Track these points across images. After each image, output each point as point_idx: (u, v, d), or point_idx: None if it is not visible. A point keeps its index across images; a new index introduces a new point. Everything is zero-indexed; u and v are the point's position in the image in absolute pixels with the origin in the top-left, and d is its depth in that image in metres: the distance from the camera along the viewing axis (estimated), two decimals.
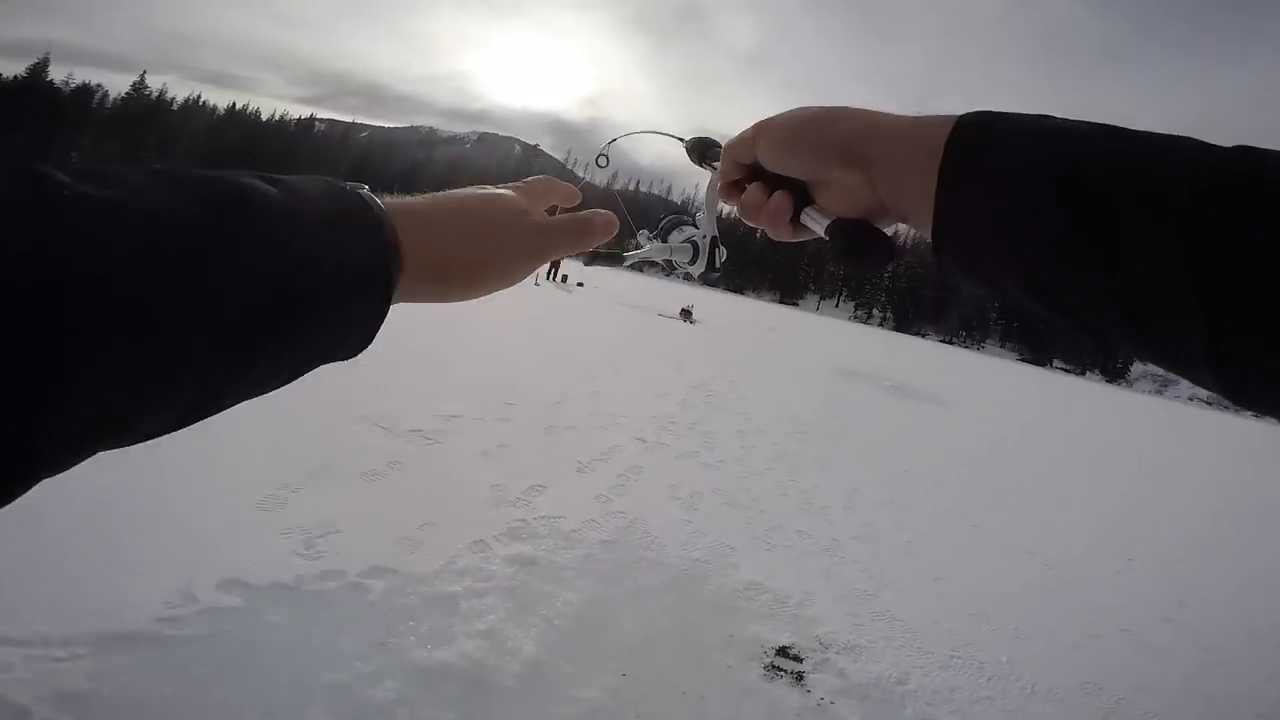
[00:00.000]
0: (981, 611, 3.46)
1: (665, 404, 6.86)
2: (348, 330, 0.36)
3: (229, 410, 0.34)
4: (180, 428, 0.30)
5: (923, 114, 0.41)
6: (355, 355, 0.38)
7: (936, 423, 10.25)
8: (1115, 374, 77.67)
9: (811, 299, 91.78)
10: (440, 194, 0.46)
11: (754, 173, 0.49)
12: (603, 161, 0.67)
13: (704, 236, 0.62)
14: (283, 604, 2.29)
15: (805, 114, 0.44)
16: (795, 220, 0.46)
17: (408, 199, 0.43)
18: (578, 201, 0.54)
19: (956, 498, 5.77)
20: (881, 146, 0.40)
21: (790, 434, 6.81)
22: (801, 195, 0.46)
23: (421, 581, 2.57)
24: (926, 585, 3.69)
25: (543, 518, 3.38)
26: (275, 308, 0.31)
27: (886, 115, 0.42)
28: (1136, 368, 79.89)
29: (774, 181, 0.47)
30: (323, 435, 3.81)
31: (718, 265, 0.62)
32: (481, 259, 0.45)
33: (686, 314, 18.18)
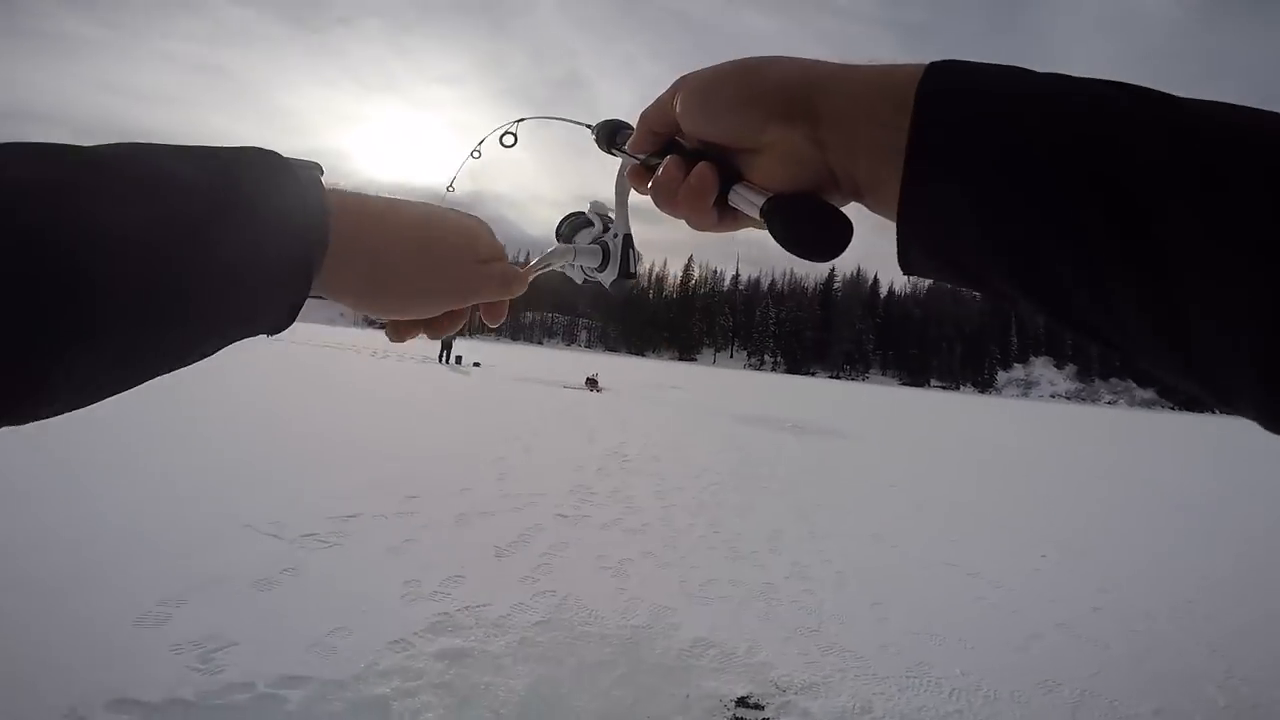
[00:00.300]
0: (925, 629, 3.54)
1: (581, 475, 6.72)
2: (264, 315, 0.37)
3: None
4: (96, 401, 0.32)
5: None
6: (273, 334, 0.39)
7: (838, 454, 10.74)
8: (984, 385, 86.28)
9: (708, 353, 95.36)
10: (399, 203, 0.44)
11: (672, 148, 0.41)
12: (509, 140, 0.62)
13: (614, 236, 0.52)
14: None
15: (733, 63, 0.36)
16: (722, 202, 0.38)
17: (365, 196, 0.42)
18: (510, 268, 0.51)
19: (872, 522, 5.99)
20: (832, 94, 0.32)
21: (707, 487, 6.86)
22: (729, 172, 0.37)
23: (343, 687, 2.32)
24: (866, 611, 3.75)
25: (466, 608, 3.13)
26: (195, 295, 0.32)
27: (829, 63, 0.34)
28: (1001, 376, 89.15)
29: (696, 155, 0.38)
30: (202, 547, 3.46)
31: (633, 269, 0.53)
32: (414, 285, 0.43)
33: (592, 383, 18.17)
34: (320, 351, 15.96)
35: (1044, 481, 10.16)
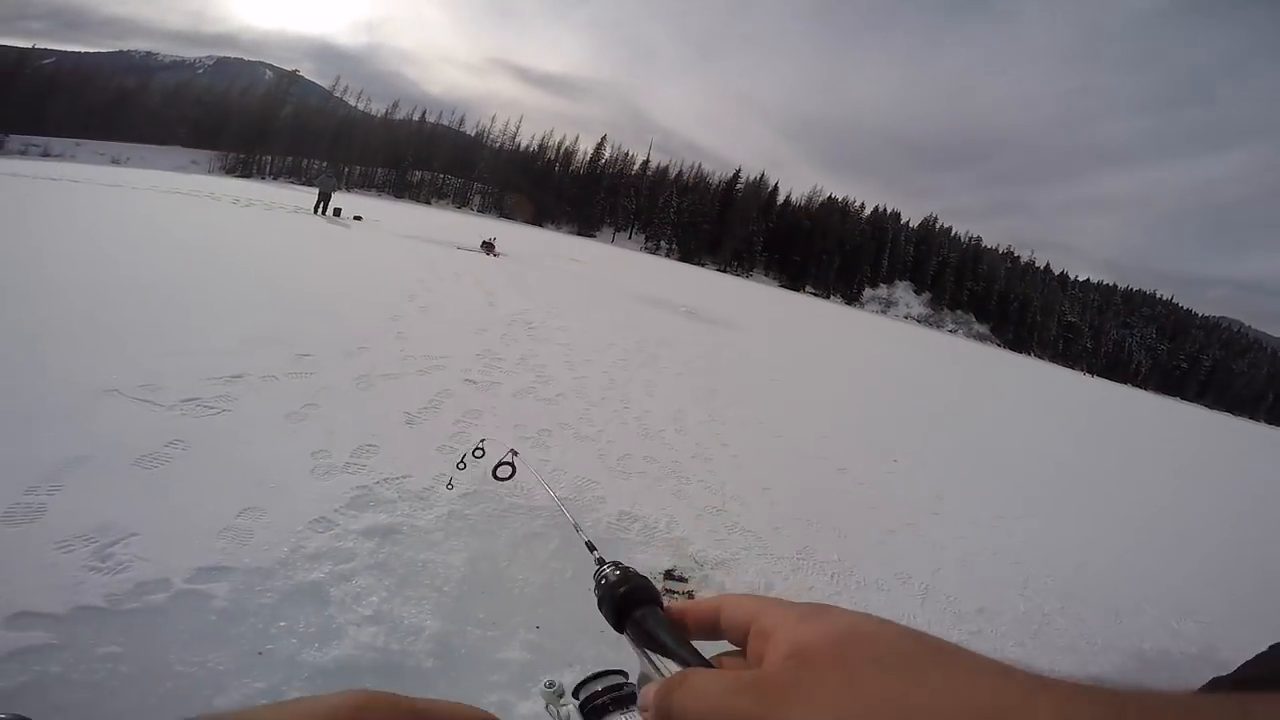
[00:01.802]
0: (806, 516, 3.93)
1: (486, 340, 6.51)
2: None
3: None
4: None
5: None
6: None
7: (726, 343, 11.26)
8: (851, 297, 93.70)
9: (607, 231, 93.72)
10: None
11: None
12: (504, 471, 0.60)
13: None
14: (107, 629, 1.76)
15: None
16: None
17: None
18: None
19: (757, 411, 6.45)
20: None
21: (615, 362, 6.96)
22: None
23: (271, 575, 2.12)
24: (759, 495, 4.08)
25: (386, 480, 2.99)
26: None
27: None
28: (867, 292, 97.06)
29: None
30: (61, 418, 2.85)
31: None
32: None
33: (489, 247, 17.23)
34: (170, 198, 13.20)
35: (898, 392, 11.44)
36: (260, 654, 1.79)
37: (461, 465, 0.76)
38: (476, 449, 0.78)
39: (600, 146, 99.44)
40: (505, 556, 2.53)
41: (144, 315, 4.60)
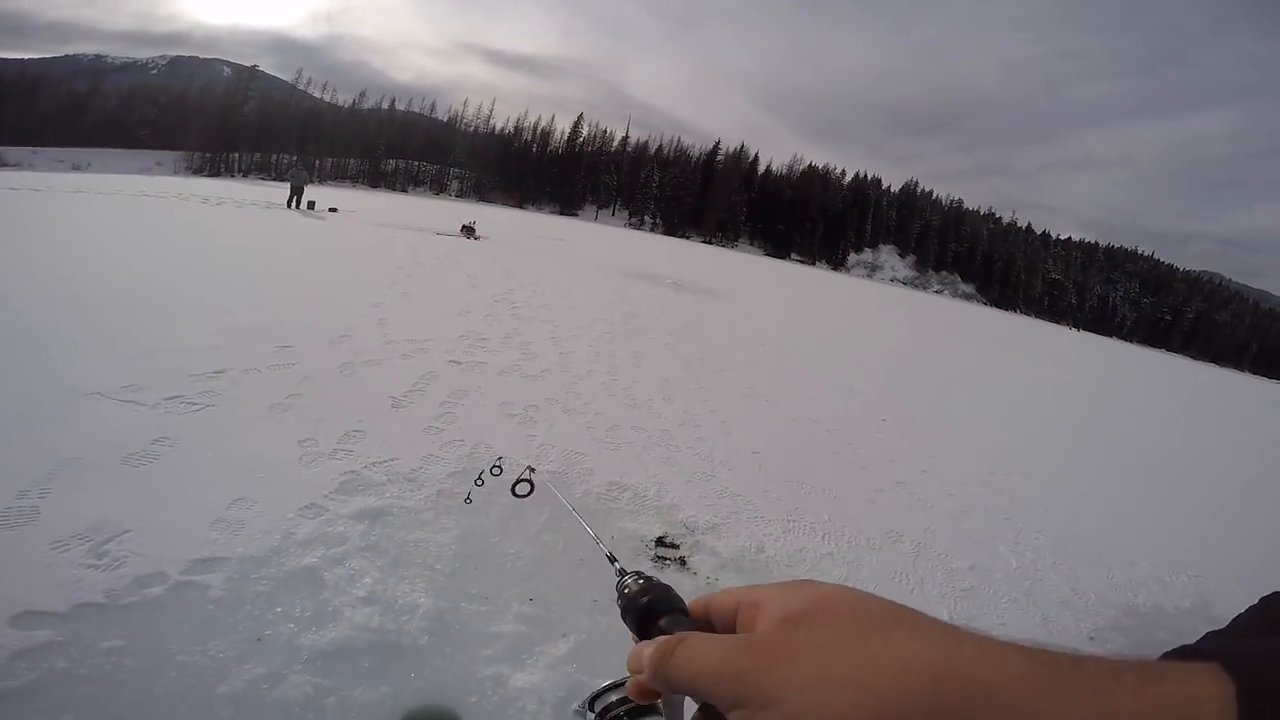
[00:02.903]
0: (796, 478, 3.97)
1: (469, 321, 6.48)
2: None
3: None
4: None
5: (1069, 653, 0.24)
6: None
7: (713, 312, 11.30)
8: (837, 263, 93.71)
9: (590, 209, 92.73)
10: None
11: None
12: (522, 489, 0.59)
13: None
14: (109, 624, 1.78)
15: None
16: None
17: None
18: None
19: (745, 377, 6.48)
20: None
21: (600, 336, 6.96)
22: None
23: (264, 563, 2.13)
24: (748, 460, 4.13)
25: (374, 464, 2.99)
26: None
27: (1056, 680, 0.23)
28: (852, 257, 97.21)
29: None
30: (46, 425, 2.82)
31: None
32: None
33: (469, 230, 17.01)
34: (137, 200, 12.72)
35: (884, 353, 11.53)
36: (259, 640, 1.81)
37: (479, 482, 0.76)
38: (494, 467, 0.80)
39: (577, 125, 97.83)
40: (496, 532, 2.55)
41: (120, 318, 4.52)
